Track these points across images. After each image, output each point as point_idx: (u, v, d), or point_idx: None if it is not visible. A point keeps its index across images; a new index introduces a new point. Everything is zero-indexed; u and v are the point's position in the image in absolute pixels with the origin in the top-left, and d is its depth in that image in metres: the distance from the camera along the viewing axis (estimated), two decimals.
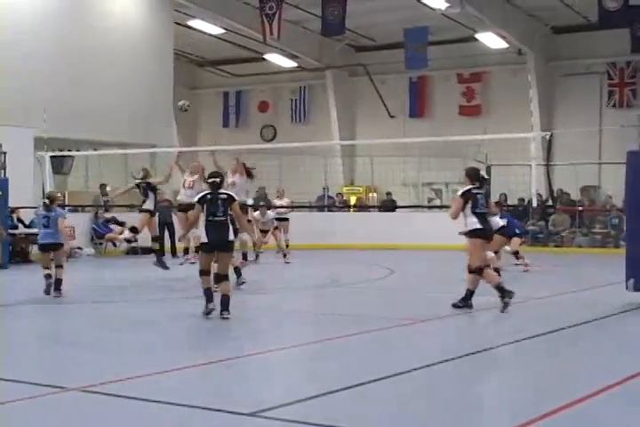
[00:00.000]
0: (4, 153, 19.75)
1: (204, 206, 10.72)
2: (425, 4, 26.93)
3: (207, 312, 10.66)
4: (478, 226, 11.67)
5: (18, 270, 18.77)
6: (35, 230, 21.31)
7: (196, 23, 30.81)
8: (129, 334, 9.94)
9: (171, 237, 23.34)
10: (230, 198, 10.90)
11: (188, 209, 14.58)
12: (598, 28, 27.60)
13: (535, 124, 29.87)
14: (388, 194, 30.76)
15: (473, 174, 12.03)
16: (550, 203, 28.33)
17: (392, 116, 33.97)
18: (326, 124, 34.90)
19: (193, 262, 17.71)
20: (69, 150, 26.44)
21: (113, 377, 7.05)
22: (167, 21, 28.75)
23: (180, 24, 30.00)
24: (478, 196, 11.78)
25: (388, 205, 29.74)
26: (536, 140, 15.96)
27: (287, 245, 23.79)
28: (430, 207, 26.39)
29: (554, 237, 27.56)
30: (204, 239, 10.69)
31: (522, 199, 27.26)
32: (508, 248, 17.69)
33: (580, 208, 27.96)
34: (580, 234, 27.45)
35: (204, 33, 32.03)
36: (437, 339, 9.70)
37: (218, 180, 11.02)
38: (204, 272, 10.85)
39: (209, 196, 10.83)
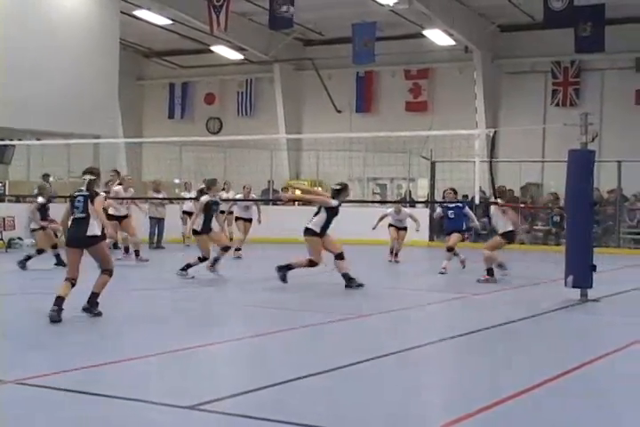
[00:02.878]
0: None
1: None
2: (373, 0, 26.99)
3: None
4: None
5: None
6: None
7: (142, 13, 30.53)
8: (60, 326, 9.85)
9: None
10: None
11: None
12: (544, 28, 27.83)
13: (480, 121, 30.35)
14: (335, 189, 30.75)
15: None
16: (493, 200, 28.54)
17: (339, 111, 34.02)
18: (273, 117, 34.83)
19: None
20: (11, 140, 26.11)
21: (49, 370, 7.01)
22: (113, 11, 28.45)
23: (126, 14, 29.70)
24: None
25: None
26: (480, 138, 16.12)
27: (231, 239, 23.82)
28: (374, 202, 26.45)
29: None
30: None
31: (465, 196, 27.48)
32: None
33: (522, 205, 28.23)
34: (522, 231, 27.72)
35: (151, 23, 31.76)
36: (370, 335, 9.73)
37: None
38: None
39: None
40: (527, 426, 5.90)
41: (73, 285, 10.12)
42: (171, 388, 6.67)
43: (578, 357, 8.23)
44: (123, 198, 19.23)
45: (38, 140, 26.50)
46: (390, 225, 20.44)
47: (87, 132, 25.48)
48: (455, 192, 18.15)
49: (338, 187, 14.64)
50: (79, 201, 10.43)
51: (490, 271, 15.24)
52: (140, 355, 7.85)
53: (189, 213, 24.24)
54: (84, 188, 10.60)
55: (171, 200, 25.36)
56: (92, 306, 10.25)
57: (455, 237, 17.40)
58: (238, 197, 22.35)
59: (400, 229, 20.36)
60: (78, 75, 26.54)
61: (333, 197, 14.40)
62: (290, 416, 5.81)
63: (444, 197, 18.77)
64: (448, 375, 7.69)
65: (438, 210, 18.74)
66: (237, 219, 21.98)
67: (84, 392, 6.34)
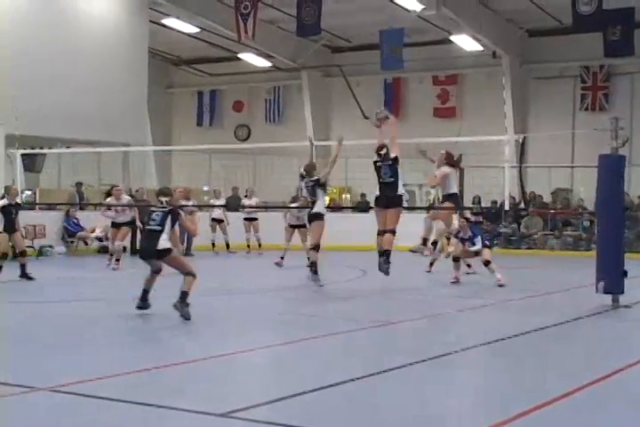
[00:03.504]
0: None
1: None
2: (401, 6, 26.97)
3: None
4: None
5: None
6: None
7: (171, 22, 30.71)
8: (93, 333, 9.91)
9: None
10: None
11: None
12: (572, 32, 27.75)
13: (509, 126, 30.20)
14: (362, 195, 30.77)
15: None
16: (523, 205, 28.44)
17: (367, 118, 33.91)
18: (301, 124, 34.86)
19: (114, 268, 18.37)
20: (41, 148, 26.29)
21: (81, 377, 7.02)
22: (142, 20, 28.63)
23: (155, 22, 29.88)
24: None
25: (362, 207, 29.74)
26: (510, 143, 16.04)
27: (259, 245, 23.94)
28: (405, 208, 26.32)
29: (526, 239, 27.69)
30: None
31: (494, 202, 27.41)
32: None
33: (553, 211, 28.09)
34: (552, 237, 27.59)
35: (180, 32, 31.93)
36: (405, 341, 9.71)
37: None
38: None
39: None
40: None
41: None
42: (204, 395, 6.66)
43: (614, 362, 8.15)
44: (138, 205, 19.31)
45: (68, 148, 26.67)
46: None
47: (117, 140, 25.61)
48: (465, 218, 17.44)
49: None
50: (157, 214, 11.04)
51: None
52: (173, 362, 7.85)
53: (218, 221, 24.35)
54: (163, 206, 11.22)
55: (200, 207, 25.40)
56: (181, 302, 10.61)
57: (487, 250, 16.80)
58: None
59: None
60: (108, 83, 26.69)
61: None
62: (322, 424, 5.79)
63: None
64: (485, 380, 7.64)
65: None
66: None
67: (116, 400, 6.34)
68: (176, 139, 37.88)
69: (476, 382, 7.67)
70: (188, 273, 10.86)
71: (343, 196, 33.66)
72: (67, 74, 25.28)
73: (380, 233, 14.02)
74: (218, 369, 7.81)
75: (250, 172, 30.37)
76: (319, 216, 14.76)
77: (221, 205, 24.17)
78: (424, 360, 8.06)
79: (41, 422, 5.86)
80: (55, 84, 24.80)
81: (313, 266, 14.57)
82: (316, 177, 15.01)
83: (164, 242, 10.89)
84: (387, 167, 14.03)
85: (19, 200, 16.37)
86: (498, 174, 20.30)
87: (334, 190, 33.91)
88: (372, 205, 14.50)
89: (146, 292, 11.17)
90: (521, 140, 16.48)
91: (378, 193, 14.16)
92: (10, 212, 15.52)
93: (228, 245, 24.56)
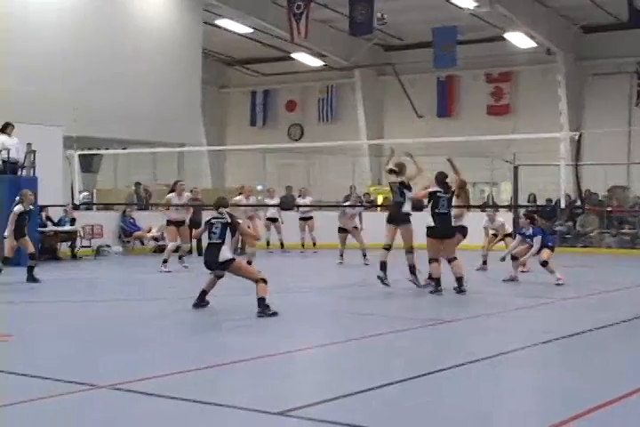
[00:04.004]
0: (34, 152, 19.87)
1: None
2: (454, 4, 26.87)
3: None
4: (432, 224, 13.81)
5: (46, 267, 18.90)
6: (64, 228, 21.58)
7: (224, 22, 30.90)
8: (146, 331, 10.02)
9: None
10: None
11: None
12: (628, 28, 27.40)
13: (564, 123, 29.93)
14: None
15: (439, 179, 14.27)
16: (579, 203, 28.18)
17: (420, 116, 33.91)
18: (354, 123, 34.86)
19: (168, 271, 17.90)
20: (98, 149, 26.59)
21: (141, 375, 7.11)
22: (196, 21, 28.84)
23: (208, 23, 30.09)
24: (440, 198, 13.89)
25: (417, 205, 29.61)
26: (565, 141, 15.88)
27: (314, 244, 23.98)
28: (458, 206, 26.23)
29: (582, 237, 27.42)
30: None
31: (549, 200, 27.19)
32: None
33: (609, 209, 27.77)
34: (609, 235, 27.28)
35: (233, 32, 32.11)
36: (463, 340, 9.69)
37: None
38: None
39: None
40: None
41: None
42: (261, 394, 6.70)
43: None
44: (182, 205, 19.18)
45: (124, 148, 26.94)
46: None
47: (171, 141, 25.84)
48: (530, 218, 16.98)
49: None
50: (216, 227, 11.19)
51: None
52: (231, 360, 7.92)
53: (273, 220, 24.42)
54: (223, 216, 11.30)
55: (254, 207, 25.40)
56: (263, 309, 10.79)
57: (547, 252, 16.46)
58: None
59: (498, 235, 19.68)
60: (162, 84, 26.93)
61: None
62: (380, 423, 5.80)
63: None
64: (546, 379, 7.58)
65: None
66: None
67: (174, 398, 6.40)
68: (230, 139, 38.08)
69: (537, 380, 7.62)
70: (258, 280, 10.96)
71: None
72: (122, 75, 25.54)
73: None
74: (275, 368, 7.85)
75: (303, 171, 30.44)
76: (407, 218, 14.62)
77: (275, 205, 24.23)
78: (479, 360, 8.04)
79: (101, 420, 5.95)
80: (110, 85, 25.08)
81: (412, 268, 14.44)
82: (400, 179, 14.87)
83: (225, 253, 11.08)
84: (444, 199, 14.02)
85: (32, 207, 16.13)
86: (553, 172, 20.11)
87: (388, 189, 33.80)
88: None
89: (204, 293, 11.38)
90: (577, 138, 16.31)
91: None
92: (23, 219, 15.30)
93: (282, 244, 24.64)
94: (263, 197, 25.03)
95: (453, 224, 14.58)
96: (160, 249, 24.52)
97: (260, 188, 29.51)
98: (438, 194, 14.03)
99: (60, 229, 21.62)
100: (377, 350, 8.83)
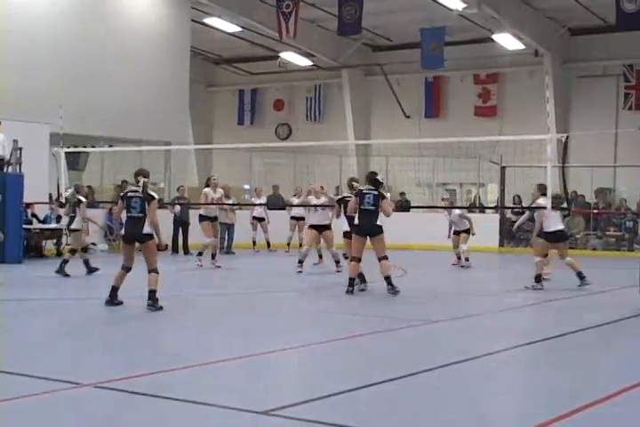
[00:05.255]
0: (20, 149, 19.82)
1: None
2: (442, 5, 26.89)
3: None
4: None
5: (32, 265, 18.89)
6: (50, 226, 21.53)
7: (212, 21, 30.84)
8: (131, 329, 10.01)
9: (185, 235, 23.59)
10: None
11: None
12: (615, 30, 27.45)
13: (551, 125, 29.82)
14: (402, 194, 30.71)
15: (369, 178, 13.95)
16: (565, 205, 28.21)
17: (407, 116, 33.94)
18: (341, 123, 34.86)
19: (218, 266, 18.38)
20: (84, 146, 26.49)
21: (125, 373, 7.10)
22: (184, 19, 28.80)
23: (196, 22, 30.03)
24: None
25: (403, 206, 29.70)
26: (552, 142, 15.90)
27: (301, 244, 23.91)
28: (444, 208, 26.37)
29: (569, 239, 27.43)
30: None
31: None
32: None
33: (595, 211, 27.86)
34: (595, 237, 27.38)
35: (221, 31, 32.06)
36: (451, 339, 9.70)
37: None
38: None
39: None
40: None
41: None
42: (245, 393, 6.70)
43: None
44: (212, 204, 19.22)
45: (111, 146, 26.86)
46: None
47: (158, 139, 25.79)
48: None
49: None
50: (135, 202, 11.34)
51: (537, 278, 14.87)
52: (215, 360, 7.91)
53: (259, 219, 24.40)
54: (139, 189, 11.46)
55: (240, 206, 25.38)
56: (153, 302, 11.07)
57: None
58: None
59: (460, 232, 20.04)
60: (149, 82, 26.89)
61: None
62: (365, 423, 5.80)
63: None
64: (533, 379, 7.61)
65: (526, 214, 17.70)
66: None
67: (158, 396, 6.39)
68: (217, 137, 38.04)
69: (523, 380, 7.65)
70: (154, 269, 11.24)
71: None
72: (109, 72, 25.52)
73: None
74: (259, 367, 7.85)
75: (290, 170, 30.41)
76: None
77: (262, 204, 24.22)
78: (468, 359, 8.05)
79: (85, 419, 5.94)
80: (97, 82, 25.06)
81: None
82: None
83: (147, 227, 11.35)
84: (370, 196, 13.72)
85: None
86: (539, 174, 20.13)
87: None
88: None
89: (115, 289, 11.50)
90: (564, 140, 16.30)
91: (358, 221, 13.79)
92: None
93: (268, 244, 24.62)
94: (250, 197, 25.00)
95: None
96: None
97: (246, 187, 29.53)
98: (364, 191, 13.73)
99: (45, 226, 21.56)
100: (364, 350, 8.83)
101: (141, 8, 27.40)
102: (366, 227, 13.58)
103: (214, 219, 19.05)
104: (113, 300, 11.38)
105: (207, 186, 19.54)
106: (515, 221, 25.18)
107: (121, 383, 6.73)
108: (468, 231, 19.91)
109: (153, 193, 11.50)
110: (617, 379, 7.38)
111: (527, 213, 17.22)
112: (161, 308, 11.01)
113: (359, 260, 13.69)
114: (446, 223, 20.54)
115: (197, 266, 18.62)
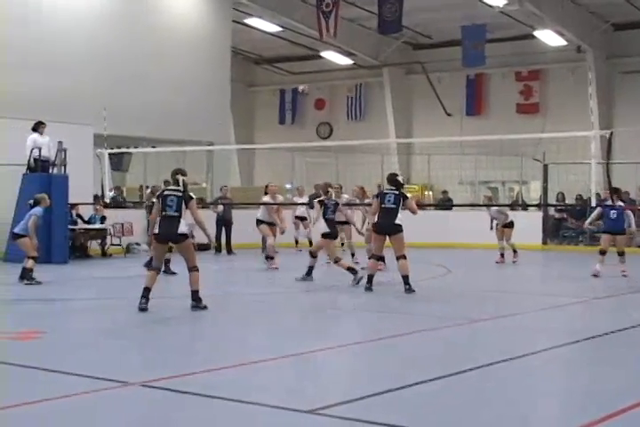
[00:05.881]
0: (65, 150, 19.99)
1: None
2: (483, 2, 26.79)
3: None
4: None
5: (78, 265, 19.05)
6: (94, 226, 21.72)
7: (253, 21, 30.97)
8: (176, 328, 10.08)
9: (227, 235, 23.63)
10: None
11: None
12: None
13: (594, 122, 29.65)
14: (444, 192, 30.62)
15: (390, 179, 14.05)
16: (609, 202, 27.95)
17: (449, 115, 33.83)
18: (383, 121, 34.85)
19: (276, 268, 18.07)
20: (127, 147, 26.67)
21: (171, 373, 7.14)
22: (226, 20, 28.93)
23: (237, 22, 30.16)
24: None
25: (445, 204, 29.62)
26: (596, 139, 15.77)
27: (342, 244, 23.81)
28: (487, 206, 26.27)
29: None
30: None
31: (579, 198, 27.00)
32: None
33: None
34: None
35: (262, 31, 32.17)
36: (495, 338, 9.66)
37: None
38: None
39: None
40: None
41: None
42: (290, 392, 6.73)
43: None
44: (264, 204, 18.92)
45: (154, 147, 27.00)
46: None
47: (200, 139, 25.90)
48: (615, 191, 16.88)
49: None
50: (172, 200, 11.09)
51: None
52: (258, 359, 7.93)
53: (301, 218, 24.39)
54: (179, 188, 11.23)
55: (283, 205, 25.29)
56: (197, 302, 11.03)
57: (623, 238, 16.78)
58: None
59: (504, 227, 20.12)
60: (191, 82, 27.03)
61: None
62: (409, 421, 5.79)
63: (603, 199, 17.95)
64: (576, 379, 7.56)
65: (597, 210, 17.50)
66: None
67: (204, 395, 6.43)
68: (258, 137, 38.16)
69: (569, 379, 7.60)
70: (195, 267, 11.13)
71: (425, 193, 33.47)
72: (151, 74, 25.70)
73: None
74: (303, 366, 7.88)
75: (332, 169, 30.41)
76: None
77: (304, 203, 24.19)
78: (510, 359, 8.02)
79: (132, 417, 5.99)
80: (140, 84, 25.23)
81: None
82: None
83: (182, 227, 11.17)
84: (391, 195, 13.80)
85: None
86: (583, 171, 20.03)
87: (416, 188, 33.79)
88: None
89: (148, 290, 11.11)
90: (608, 136, 16.18)
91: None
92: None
93: (310, 243, 24.56)
94: (292, 196, 24.99)
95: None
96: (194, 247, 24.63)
97: (288, 186, 29.53)
98: (385, 191, 13.90)
99: (90, 226, 21.74)
100: (406, 349, 8.81)
101: (182, 9, 27.54)
102: (385, 225, 13.67)
103: (271, 224, 18.60)
104: (143, 302, 11.00)
105: (265, 193, 19.04)
106: (558, 219, 25.10)
107: (168, 382, 6.78)
108: (511, 226, 20.01)
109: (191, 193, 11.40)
110: None
111: (598, 210, 17.08)
112: (205, 307, 11.03)
113: (378, 258, 14.06)
114: (488, 219, 20.52)
115: (270, 269, 18.13)
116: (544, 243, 27.01)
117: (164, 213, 11.06)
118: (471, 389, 6.91)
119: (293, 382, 7.19)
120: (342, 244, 20.37)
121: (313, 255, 15.39)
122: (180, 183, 11.22)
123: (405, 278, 13.42)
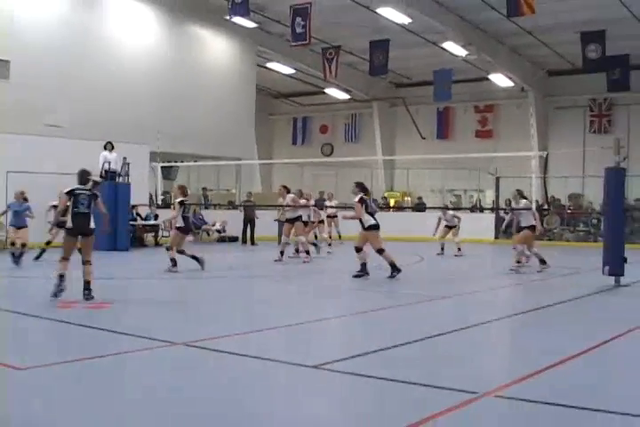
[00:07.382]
0: (128, 164, 20.05)
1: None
2: (450, 52, 26.81)
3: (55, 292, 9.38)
4: (373, 222, 12.72)
5: (137, 253, 19.11)
6: (149, 222, 21.74)
7: (273, 65, 30.97)
8: (214, 301, 10.10)
9: (252, 230, 23.64)
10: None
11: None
12: (583, 72, 27.24)
13: (534, 145, 29.82)
14: (419, 198, 30.60)
15: (362, 187, 13.25)
16: (546, 207, 28.00)
17: (423, 138, 33.80)
18: (372, 143, 34.85)
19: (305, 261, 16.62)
20: (175, 161, 26.73)
21: (209, 336, 7.17)
22: (252, 63, 28.95)
23: (260, 66, 30.17)
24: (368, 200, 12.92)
25: (420, 207, 29.61)
26: (535, 158, 15.85)
27: (339, 236, 23.72)
28: (453, 209, 26.22)
29: (547, 233, 27.23)
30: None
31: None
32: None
33: (569, 211, 27.64)
34: (568, 231, 27.12)
35: (279, 72, 32.16)
36: (454, 312, 9.67)
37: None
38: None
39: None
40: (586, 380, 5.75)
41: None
42: (300, 351, 6.73)
43: (621, 326, 8.01)
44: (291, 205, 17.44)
45: (195, 161, 27.04)
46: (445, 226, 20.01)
47: (231, 156, 25.94)
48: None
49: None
50: (84, 199, 9.59)
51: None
52: (277, 325, 7.96)
53: (332, 217, 23.62)
54: (88, 187, 9.79)
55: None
56: (89, 292, 9.37)
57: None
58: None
59: (451, 227, 19.93)
60: (225, 112, 27.06)
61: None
62: (395, 375, 5.81)
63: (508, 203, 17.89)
64: (518, 341, 7.58)
65: (510, 215, 17.16)
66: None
67: (233, 353, 6.44)
68: (276, 154, 38.17)
69: (512, 342, 7.63)
70: (89, 261, 9.52)
71: (405, 198, 33.50)
72: (194, 105, 25.71)
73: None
74: (309, 332, 7.88)
75: (332, 180, 30.45)
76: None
77: (334, 207, 23.59)
78: (464, 328, 8.03)
79: (175, 370, 6.02)
80: (185, 112, 25.26)
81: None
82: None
83: (92, 222, 9.65)
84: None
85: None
86: (526, 182, 20.00)
87: (398, 194, 33.83)
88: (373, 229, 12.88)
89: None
90: (544, 156, 16.26)
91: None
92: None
93: (339, 236, 23.92)
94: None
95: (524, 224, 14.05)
96: (222, 239, 24.71)
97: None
98: (365, 198, 12.89)
99: (146, 222, 21.77)
100: (391, 320, 8.80)
101: (219, 55, 27.54)
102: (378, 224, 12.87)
103: (291, 220, 16.98)
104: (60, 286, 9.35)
105: (300, 196, 18.12)
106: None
107: (206, 343, 6.81)
108: (456, 227, 19.78)
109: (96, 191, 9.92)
110: (583, 339, 7.30)
111: (510, 214, 16.69)
112: (93, 297, 9.30)
113: (383, 250, 12.87)
114: (435, 224, 19.99)
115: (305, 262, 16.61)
116: (496, 238, 27.00)
117: (75, 209, 9.49)
118: (439, 350, 6.92)
119: (302, 344, 7.21)
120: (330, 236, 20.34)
121: (358, 250, 13.01)
122: (90, 184, 9.87)
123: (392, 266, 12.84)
